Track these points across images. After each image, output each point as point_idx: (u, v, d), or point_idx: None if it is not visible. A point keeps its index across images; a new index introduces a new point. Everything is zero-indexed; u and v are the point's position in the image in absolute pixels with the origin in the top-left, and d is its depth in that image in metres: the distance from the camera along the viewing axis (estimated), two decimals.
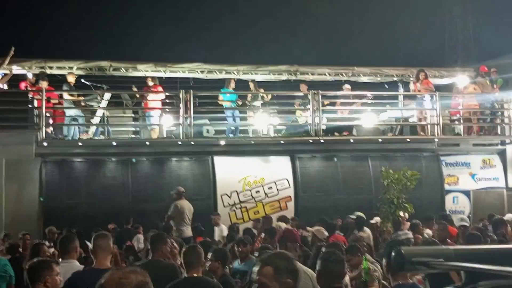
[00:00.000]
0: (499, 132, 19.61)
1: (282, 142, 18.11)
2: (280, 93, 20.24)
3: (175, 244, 7.97)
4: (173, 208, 14.24)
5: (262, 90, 19.25)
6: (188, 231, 14.04)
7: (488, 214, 15.54)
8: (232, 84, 18.61)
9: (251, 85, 19.11)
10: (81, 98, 17.88)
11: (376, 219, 15.02)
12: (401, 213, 14.90)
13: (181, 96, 16.92)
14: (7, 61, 16.49)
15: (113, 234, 11.74)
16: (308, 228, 11.76)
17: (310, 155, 18.29)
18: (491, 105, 19.67)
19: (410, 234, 12.39)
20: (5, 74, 17.07)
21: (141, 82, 19.83)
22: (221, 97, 18.58)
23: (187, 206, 14.46)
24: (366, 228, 13.56)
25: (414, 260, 2.60)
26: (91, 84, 18.02)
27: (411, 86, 19.48)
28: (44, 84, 16.84)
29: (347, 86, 19.81)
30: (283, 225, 13.63)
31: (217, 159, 17.43)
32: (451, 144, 19.29)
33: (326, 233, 11.10)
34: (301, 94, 19.08)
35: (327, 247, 7.87)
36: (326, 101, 18.67)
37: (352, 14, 35.04)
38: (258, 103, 19.08)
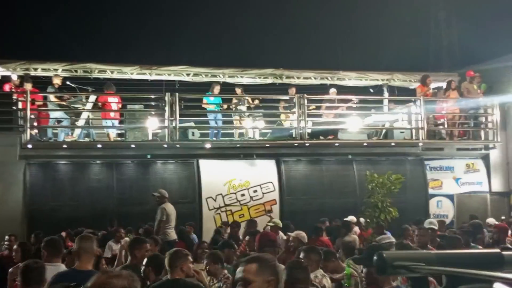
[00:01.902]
0: (482, 137, 19.74)
1: (267, 145, 18.15)
2: (266, 97, 20.29)
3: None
4: (161, 212, 14.17)
5: (247, 97, 19.22)
6: (173, 234, 14.01)
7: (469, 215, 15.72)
8: (216, 90, 18.58)
9: (238, 91, 19.13)
10: (65, 99, 17.78)
11: (351, 218, 15.09)
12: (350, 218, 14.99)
13: (166, 99, 16.89)
14: None
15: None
16: (289, 233, 11.75)
17: (295, 158, 18.34)
18: (475, 110, 19.79)
19: (393, 239, 12.43)
20: None
21: (126, 84, 19.80)
22: (205, 100, 18.59)
23: (172, 209, 14.43)
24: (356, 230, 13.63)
25: (396, 264, 2.62)
26: (76, 86, 17.94)
27: (418, 90, 19.48)
28: (28, 86, 16.76)
29: (333, 90, 19.87)
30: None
31: (202, 162, 17.44)
32: (435, 148, 19.40)
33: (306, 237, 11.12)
34: (286, 97, 19.12)
35: (305, 251, 7.93)
36: (312, 105, 18.73)
37: (337, 18, 35.14)
38: (243, 107, 19.09)
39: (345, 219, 14.81)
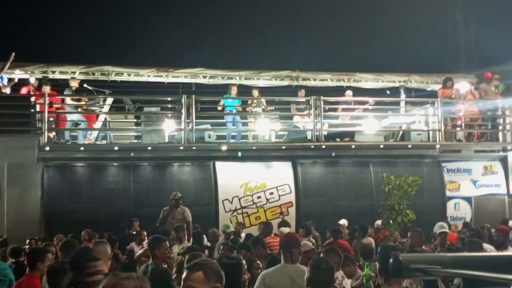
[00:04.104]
0: (500, 138, 19.59)
1: (283, 147, 18.11)
2: (282, 99, 20.24)
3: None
4: (188, 213, 14.24)
5: (262, 99, 19.18)
6: None
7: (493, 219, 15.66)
8: (234, 91, 18.61)
9: (255, 93, 19.10)
10: (83, 102, 17.91)
11: (343, 222, 15.12)
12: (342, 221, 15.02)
13: (183, 101, 16.94)
14: (7, 67, 16.53)
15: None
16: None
17: (312, 160, 18.30)
18: (492, 111, 19.63)
19: None
20: (10, 80, 17.12)
21: (143, 87, 19.89)
22: (221, 102, 18.61)
23: None
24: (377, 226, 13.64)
25: (412, 267, 2.62)
26: (94, 89, 18.05)
27: (439, 92, 19.39)
28: (46, 89, 16.89)
29: (349, 92, 19.80)
30: (286, 230, 13.60)
31: (219, 164, 17.45)
32: (453, 150, 19.27)
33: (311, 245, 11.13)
34: (302, 99, 19.08)
35: (325, 252, 7.89)
36: (328, 107, 18.70)
37: (354, 19, 35.08)
38: (259, 109, 19.06)
39: (339, 222, 14.93)
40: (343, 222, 15.29)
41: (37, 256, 7.72)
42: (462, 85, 20.04)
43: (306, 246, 10.33)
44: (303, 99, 18.83)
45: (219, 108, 18.58)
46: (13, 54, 16.37)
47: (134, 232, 14.32)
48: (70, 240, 7.84)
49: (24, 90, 17.40)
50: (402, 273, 2.70)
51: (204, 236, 14.43)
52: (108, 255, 6.72)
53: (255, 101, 19.04)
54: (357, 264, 9.20)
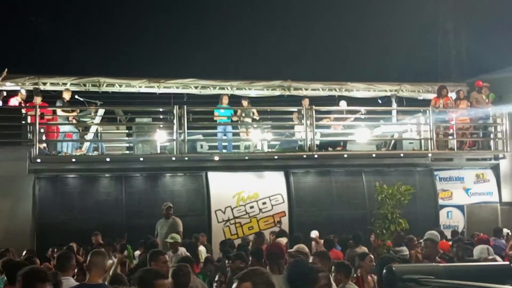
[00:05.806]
0: (492, 146, 19.65)
1: (276, 157, 18.10)
2: (274, 109, 20.22)
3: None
4: (177, 223, 14.15)
5: (254, 109, 19.16)
6: None
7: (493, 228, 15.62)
8: (225, 100, 18.61)
9: (244, 103, 19.12)
10: (74, 113, 17.84)
11: (315, 233, 15.05)
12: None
13: (175, 111, 16.93)
14: None
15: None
16: (289, 250, 11.67)
17: (304, 170, 18.30)
18: (484, 120, 19.71)
19: (406, 251, 12.34)
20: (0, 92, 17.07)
21: (135, 98, 19.84)
22: (216, 113, 18.61)
23: None
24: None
25: (405, 278, 2.61)
26: (85, 100, 17.98)
27: (432, 101, 19.47)
28: (38, 100, 16.84)
29: (343, 103, 19.81)
30: (284, 240, 13.55)
31: (211, 175, 17.43)
32: (445, 159, 19.31)
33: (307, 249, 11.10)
34: (294, 109, 19.10)
35: (318, 256, 7.90)
36: (321, 117, 18.70)
37: (345, 29, 35.14)
38: (249, 119, 19.02)
39: (311, 234, 14.90)
40: (315, 234, 15.18)
41: (16, 269, 7.62)
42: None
43: (301, 249, 10.33)
44: (295, 109, 18.86)
45: (215, 118, 18.59)
46: (6, 70, 16.31)
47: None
48: (66, 253, 7.80)
49: (12, 101, 17.31)
50: (395, 284, 2.69)
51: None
52: (104, 267, 6.71)
53: (245, 111, 19.04)
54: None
